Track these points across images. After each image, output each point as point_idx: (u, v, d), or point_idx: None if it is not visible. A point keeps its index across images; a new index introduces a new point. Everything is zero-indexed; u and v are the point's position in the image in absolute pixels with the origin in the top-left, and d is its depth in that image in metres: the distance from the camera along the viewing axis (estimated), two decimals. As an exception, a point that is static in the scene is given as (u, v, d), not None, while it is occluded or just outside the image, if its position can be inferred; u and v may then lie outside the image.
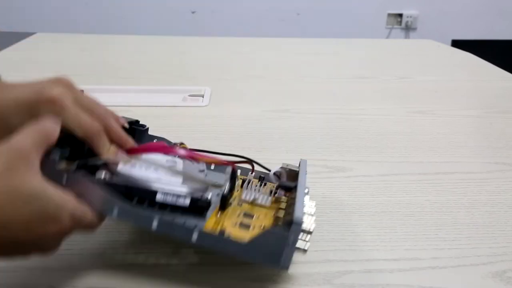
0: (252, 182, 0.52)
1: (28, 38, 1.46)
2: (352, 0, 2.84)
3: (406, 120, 0.88)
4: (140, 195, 0.44)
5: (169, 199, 0.44)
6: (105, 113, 0.48)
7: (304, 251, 0.43)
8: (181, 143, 0.57)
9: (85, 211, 0.40)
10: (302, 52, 1.42)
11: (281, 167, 0.53)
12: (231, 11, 2.83)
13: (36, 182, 0.36)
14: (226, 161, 0.50)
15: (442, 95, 1.02)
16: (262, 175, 0.54)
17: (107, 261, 0.48)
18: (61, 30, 2.57)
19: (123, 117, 0.51)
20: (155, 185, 0.44)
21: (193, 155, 0.49)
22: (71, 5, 2.76)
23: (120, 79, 1.11)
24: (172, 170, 0.47)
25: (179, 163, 0.49)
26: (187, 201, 0.44)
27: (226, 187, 0.49)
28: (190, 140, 0.78)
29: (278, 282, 0.46)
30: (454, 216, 0.57)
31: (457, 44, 2.70)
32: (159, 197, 0.44)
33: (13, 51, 1.33)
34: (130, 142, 0.48)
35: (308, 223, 0.45)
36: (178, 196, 0.44)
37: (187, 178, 0.47)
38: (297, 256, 0.48)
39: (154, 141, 0.56)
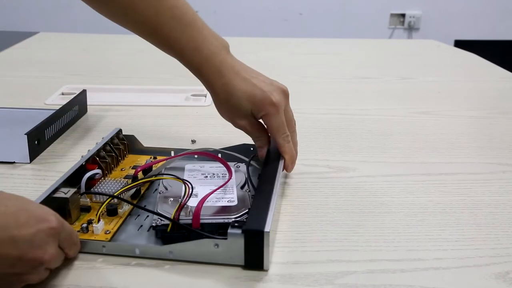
0: None
1: (30, 37, 1.46)
2: (354, 0, 2.84)
3: (409, 120, 0.88)
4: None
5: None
6: (293, 129, 0.64)
7: None
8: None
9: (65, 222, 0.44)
10: (304, 52, 1.42)
11: None
12: (233, 11, 2.83)
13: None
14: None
15: (445, 96, 1.02)
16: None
17: (107, 261, 0.48)
18: (63, 29, 2.58)
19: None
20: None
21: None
22: (73, 5, 2.76)
23: (122, 79, 1.11)
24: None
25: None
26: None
27: None
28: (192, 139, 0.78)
29: (281, 282, 0.46)
30: (457, 217, 0.57)
31: (460, 44, 2.70)
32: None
33: (15, 50, 1.33)
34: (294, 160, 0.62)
35: None
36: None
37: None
38: (299, 257, 0.48)
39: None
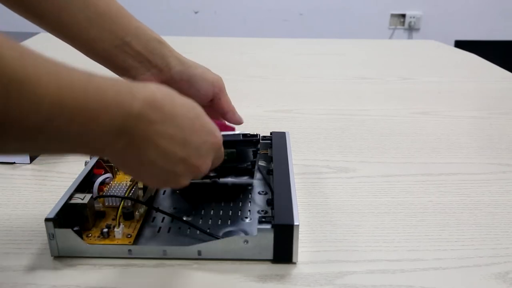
0: None
1: (31, 38, 1.46)
2: (355, 0, 2.84)
3: (409, 121, 0.88)
4: None
5: None
6: None
7: None
8: None
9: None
10: (305, 53, 1.42)
11: None
12: (234, 11, 2.83)
13: (196, 103, 0.43)
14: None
15: (445, 96, 1.02)
16: None
17: (108, 261, 0.48)
18: (64, 30, 2.57)
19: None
20: None
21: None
22: (74, 5, 2.75)
23: (123, 79, 1.11)
24: None
25: None
26: None
27: None
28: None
29: (281, 281, 0.46)
30: (457, 217, 0.57)
31: (460, 44, 2.69)
32: None
33: (16, 51, 1.33)
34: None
35: None
36: None
37: None
38: (299, 257, 0.48)
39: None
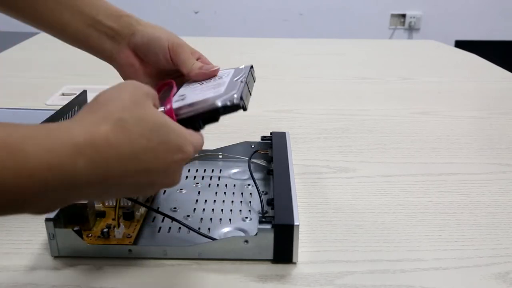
0: None
1: (31, 38, 1.46)
2: (355, 0, 2.84)
3: (409, 121, 0.88)
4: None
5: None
6: None
7: None
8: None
9: (198, 137, 0.44)
10: (305, 53, 1.42)
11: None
12: (234, 11, 2.83)
13: (159, 115, 0.40)
14: None
15: (445, 96, 1.02)
16: None
17: (108, 261, 0.48)
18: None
19: None
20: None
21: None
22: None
23: (122, 79, 1.11)
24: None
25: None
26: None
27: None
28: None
29: (281, 282, 0.46)
30: (457, 217, 0.57)
31: (460, 44, 2.69)
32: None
33: (16, 51, 1.34)
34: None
35: None
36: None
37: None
38: (299, 257, 0.48)
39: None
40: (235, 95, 0.45)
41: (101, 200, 0.40)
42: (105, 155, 0.35)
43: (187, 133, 0.42)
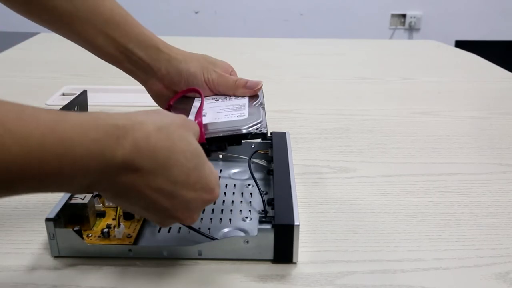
0: None
1: (31, 38, 1.46)
2: (355, 0, 2.84)
3: (409, 121, 0.88)
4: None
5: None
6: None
7: None
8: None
9: (218, 182, 0.43)
10: (305, 53, 1.42)
11: None
12: (234, 12, 2.83)
13: (200, 146, 0.40)
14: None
15: (446, 96, 1.02)
16: None
17: (108, 261, 0.48)
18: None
19: None
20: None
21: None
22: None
23: (123, 79, 1.10)
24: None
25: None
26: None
27: None
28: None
29: (281, 282, 0.46)
30: (458, 217, 0.57)
31: (461, 44, 2.69)
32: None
33: (16, 51, 1.34)
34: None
35: None
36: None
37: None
38: (299, 257, 0.48)
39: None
40: (264, 125, 0.50)
41: (119, 202, 0.40)
42: (141, 153, 0.35)
43: (217, 175, 0.42)
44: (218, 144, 0.48)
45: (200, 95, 0.56)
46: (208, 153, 0.47)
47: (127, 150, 0.34)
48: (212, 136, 0.47)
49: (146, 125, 0.36)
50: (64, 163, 0.31)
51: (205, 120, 0.51)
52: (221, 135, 0.48)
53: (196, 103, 0.57)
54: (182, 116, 0.42)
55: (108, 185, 0.35)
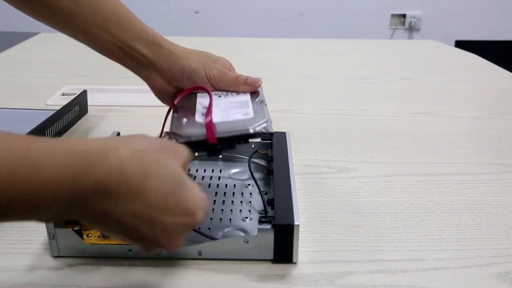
0: None
1: (31, 38, 1.46)
2: (355, 0, 2.84)
3: (409, 121, 0.88)
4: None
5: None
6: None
7: None
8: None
9: (207, 204, 0.41)
10: (305, 53, 1.42)
11: None
12: (234, 12, 2.83)
13: (180, 170, 0.39)
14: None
15: (446, 96, 1.02)
16: None
17: (108, 261, 0.48)
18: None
19: None
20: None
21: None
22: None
23: (123, 79, 1.11)
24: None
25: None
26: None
27: None
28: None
29: (281, 282, 0.46)
30: (458, 217, 0.57)
31: (461, 44, 2.69)
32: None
33: (16, 51, 1.33)
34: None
35: None
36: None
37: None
38: (299, 257, 0.48)
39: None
40: (270, 125, 0.52)
41: (99, 228, 0.40)
42: (114, 179, 0.34)
43: (201, 198, 0.40)
44: (228, 143, 0.50)
45: (208, 93, 0.57)
46: (219, 151, 0.50)
47: (99, 176, 0.34)
48: (223, 136, 0.49)
49: (120, 150, 0.35)
50: (34, 188, 0.31)
51: (216, 119, 0.52)
52: (231, 135, 0.50)
53: (200, 99, 0.57)
54: (164, 141, 0.42)
55: (83, 212, 0.35)
